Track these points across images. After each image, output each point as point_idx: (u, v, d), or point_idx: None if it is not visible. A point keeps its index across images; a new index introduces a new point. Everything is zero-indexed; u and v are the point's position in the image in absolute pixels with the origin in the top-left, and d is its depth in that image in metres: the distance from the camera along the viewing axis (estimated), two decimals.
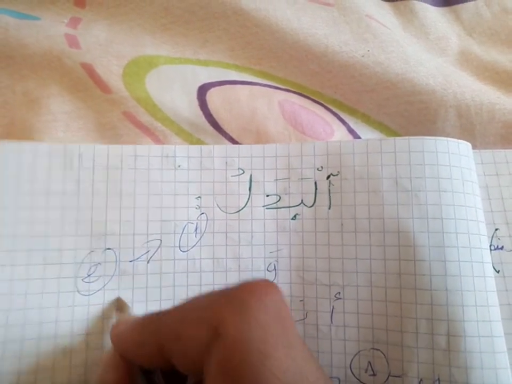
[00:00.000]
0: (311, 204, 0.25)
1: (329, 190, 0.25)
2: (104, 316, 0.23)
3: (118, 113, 0.27)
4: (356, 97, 0.30)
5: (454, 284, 0.22)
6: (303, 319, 0.24)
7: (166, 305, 0.24)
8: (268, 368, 0.13)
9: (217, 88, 0.29)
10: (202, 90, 0.28)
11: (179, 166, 0.26)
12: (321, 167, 0.26)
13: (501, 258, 0.25)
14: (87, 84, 0.27)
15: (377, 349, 0.23)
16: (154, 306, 0.24)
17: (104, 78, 0.27)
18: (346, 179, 0.25)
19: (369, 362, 0.23)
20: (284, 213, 0.25)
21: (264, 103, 0.29)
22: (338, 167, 0.25)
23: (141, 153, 0.25)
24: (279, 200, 0.26)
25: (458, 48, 0.34)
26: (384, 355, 0.23)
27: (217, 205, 0.25)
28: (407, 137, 0.25)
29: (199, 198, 0.25)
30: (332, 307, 0.24)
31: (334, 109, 0.30)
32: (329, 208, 0.25)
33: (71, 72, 0.27)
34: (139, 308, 0.24)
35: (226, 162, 0.26)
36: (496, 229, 0.26)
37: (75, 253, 0.24)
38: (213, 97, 0.28)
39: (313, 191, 0.25)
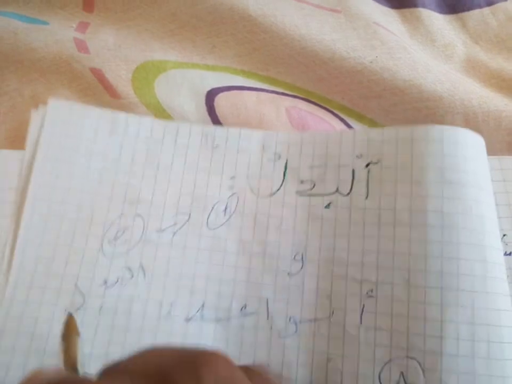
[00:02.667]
0: (347, 192, 0.24)
1: (367, 179, 0.24)
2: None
3: None
4: (363, 103, 0.30)
5: (493, 286, 0.21)
6: (329, 317, 0.22)
7: (185, 279, 0.23)
8: None
9: (224, 93, 0.29)
10: (211, 96, 0.28)
11: (216, 146, 0.26)
12: (361, 154, 0.24)
13: (509, 264, 0.25)
14: (97, 88, 0.27)
15: (412, 358, 0.20)
16: (174, 280, 0.23)
17: (113, 83, 0.27)
18: (387, 167, 0.23)
19: (402, 373, 0.20)
20: (317, 200, 0.24)
21: (272, 110, 0.29)
22: (379, 154, 0.24)
23: (182, 130, 0.26)
24: (313, 187, 0.24)
25: (464, 55, 0.34)
26: (420, 365, 0.20)
27: (250, 187, 0.25)
28: (453, 127, 0.24)
29: (232, 179, 0.25)
30: (362, 305, 0.22)
31: (341, 115, 0.30)
32: (366, 198, 0.23)
33: (81, 76, 0.27)
34: (158, 279, 0.23)
35: (263, 146, 0.26)
36: (504, 235, 0.26)
37: (106, 213, 0.24)
38: (220, 102, 0.28)
39: (350, 179, 0.24)
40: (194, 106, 0.28)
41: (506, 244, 0.25)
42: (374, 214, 0.23)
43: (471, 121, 0.29)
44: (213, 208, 0.25)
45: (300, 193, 0.25)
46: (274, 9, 0.31)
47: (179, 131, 0.26)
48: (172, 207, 0.24)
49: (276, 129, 0.28)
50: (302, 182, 0.25)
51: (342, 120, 0.30)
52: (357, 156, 0.24)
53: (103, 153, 0.25)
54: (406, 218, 0.22)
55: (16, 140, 0.26)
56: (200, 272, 0.24)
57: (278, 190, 0.25)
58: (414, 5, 0.35)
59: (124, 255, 0.24)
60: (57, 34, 0.29)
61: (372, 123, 0.30)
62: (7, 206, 0.24)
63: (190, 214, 0.24)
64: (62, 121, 0.25)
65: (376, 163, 0.24)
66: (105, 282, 0.23)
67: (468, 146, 0.23)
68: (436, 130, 0.23)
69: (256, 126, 0.28)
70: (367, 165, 0.24)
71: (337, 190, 0.24)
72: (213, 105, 0.28)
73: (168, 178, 0.25)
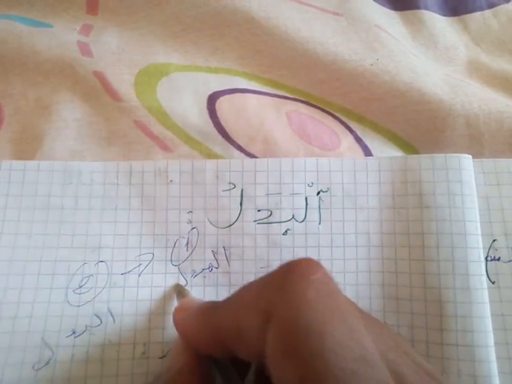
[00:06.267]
0: (301, 219, 0.26)
1: (319, 206, 0.26)
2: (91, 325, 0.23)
3: (129, 121, 0.27)
4: (364, 105, 0.30)
5: (463, 296, 0.23)
6: None
7: (156, 319, 0.24)
8: (325, 345, 0.13)
9: (226, 96, 0.29)
10: (212, 99, 0.29)
11: (171, 181, 0.26)
12: (312, 183, 0.26)
13: (497, 269, 0.25)
14: (99, 92, 0.28)
15: None
16: (144, 319, 0.24)
17: (115, 87, 0.28)
18: (335, 196, 0.26)
19: None
20: (275, 228, 0.26)
21: (272, 114, 0.29)
22: (328, 183, 0.26)
23: (135, 169, 0.26)
24: (270, 215, 0.26)
25: (466, 57, 0.34)
26: None
27: (208, 219, 0.26)
28: (390, 156, 0.27)
29: (190, 213, 0.26)
30: None
31: (342, 117, 0.30)
32: (319, 224, 0.26)
33: (84, 80, 0.28)
34: (128, 321, 0.24)
35: (217, 177, 0.26)
36: (494, 240, 0.25)
37: (68, 264, 0.24)
38: (222, 105, 0.29)
39: (304, 207, 0.26)
40: (196, 109, 0.28)
41: (496, 250, 0.25)
42: (327, 239, 0.26)
43: (473, 123, 0.29)
44: (174, 244, 0.25)
45: (257, 221, 0.26)
46: (277, 12, 0.31)
47: (132, 170, 0.26)
48: (134, 248, 0.25)
49: (276, 133, 0.28)
50: (259, 210, 0.26)
51: (342, 123, 0.30)
52: (308, 185, 0.26)
53: (59, 206, 0.25)
54: (353, 240, 0.25)
55: (21, 142, 0.26)
56: (169, 308, 0.24)
57: (237, 220, 0.26)
58: (416, 7, 0.36)
59: (91, 302, 0.24)
60: (61, 37, 0.29)
61: (373, 125, 0.30)
62: None
63: (153, 253, 0.25)
64: (15, 182, 0.25)
65: (325, 191, 0.26)
66: (74, 332, 0.23)
67: (406, 172, 0.26)
68: (374, 161, 0.27)
69: (257, 130, 0.28)
70: (318, 193, 0.26)
71: (293, 217, 0.26)
72: (215, 108, 0.28)
73: (128, 220, 0.25)
